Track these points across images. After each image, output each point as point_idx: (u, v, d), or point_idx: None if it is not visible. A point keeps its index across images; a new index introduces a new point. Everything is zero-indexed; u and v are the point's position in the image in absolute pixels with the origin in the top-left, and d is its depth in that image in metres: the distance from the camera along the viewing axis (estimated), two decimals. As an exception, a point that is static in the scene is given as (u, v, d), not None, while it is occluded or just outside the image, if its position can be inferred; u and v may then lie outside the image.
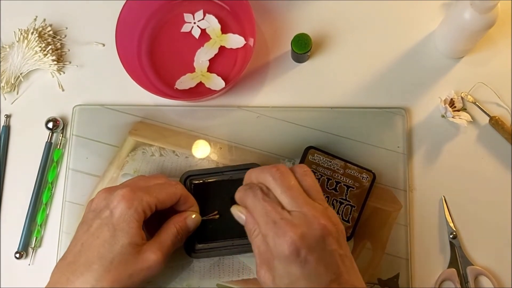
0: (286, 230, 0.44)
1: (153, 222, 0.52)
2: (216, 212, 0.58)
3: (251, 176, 0.50)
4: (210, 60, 0.64)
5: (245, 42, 0.64)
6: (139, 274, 0.48)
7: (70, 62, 0.67)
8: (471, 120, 0.62)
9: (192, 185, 0.59)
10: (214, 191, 0.59)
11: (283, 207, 0.46)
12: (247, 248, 0.57)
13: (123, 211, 0.48)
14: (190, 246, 0.57)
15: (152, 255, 0.49)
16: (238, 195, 0.50)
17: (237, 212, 0.50)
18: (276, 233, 0.44)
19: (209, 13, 0.65)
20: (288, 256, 0.44)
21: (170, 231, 0.52)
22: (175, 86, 0.64)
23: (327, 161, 0.60)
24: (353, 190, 0.59)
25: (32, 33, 0.65)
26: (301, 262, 0.44)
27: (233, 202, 0.51)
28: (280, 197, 0.47)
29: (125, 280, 0.48)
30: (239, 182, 0.58)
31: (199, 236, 0.58)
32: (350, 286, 0.44)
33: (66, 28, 0.68)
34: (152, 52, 0.66)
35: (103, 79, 0.66)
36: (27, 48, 0.65)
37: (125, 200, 0.48)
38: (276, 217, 0.45)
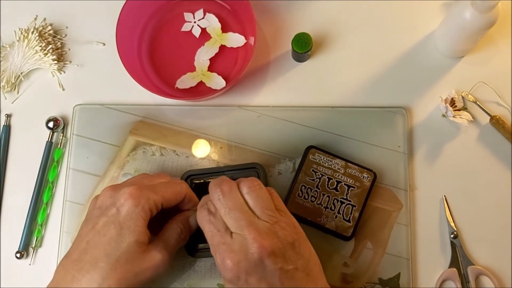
0: (225, 256, 0.45)
1: (156, 220, 0.52)
2: None
3: (209, 189, 0.51)
4: (210, 59, 0.64)
5: (245, 41, 0.64)
6: (145, 272, 0.49)
7: (70, 62, 0.66)
8: (472, 119, 0.62)
9: (193, 184, 0.59)
10: None
11: (227, 228, 0.47)
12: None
13: (130, 209, 0.48)
14: (191, 246, 0.57)
15: (158, 254, 0.50)
16: (197, 212, 0.51)
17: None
18: (219, 257, 0.46)
19: (209, 12, 0.65)
20: (231, 280, 0.46)
21: (174, 230, 0.53)
22: (175, 86, 0.64)
23: (328, 160, 0.60)
24: (354, 190, 0.59)
25: (33, 32, 0.65)
26: (243, 284, 0.46)
27: None
28: (225, 218, 0.47)
29: (132, 279, 0.48)
30: None
31: (200, 235, 0.58)
32: None
33: (67, 27, 0.68)
34: (153, 51, 0.66)
35: (104, 79, 0.66)
36: (27, 47, 0.65)
37: (132, 198, 0.48)
38: (219, 241, 0.47)
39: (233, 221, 0.47)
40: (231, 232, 0.47)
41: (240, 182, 0.50)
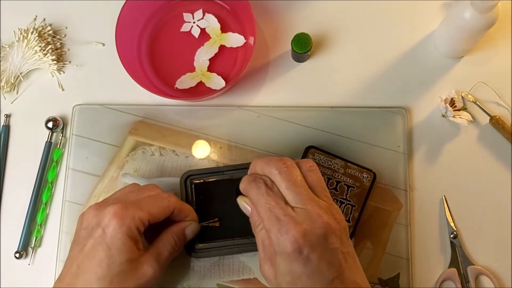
0: (289, 227, 0.44)
1: (152, 228, 0.52)
2: (216, 219, 0.57)
3: (256, 166, 0.49)
4: (210, 60, 0.64)
5: (245, 41, 0.64)
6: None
7: (70, 62, 0.66)
8: (472, 119, 0.62)
9: (193, 184, 0.59)
10: (214, 190, 0.59)
11: (286, 203, 0.46)
12: (248, 248, 0.57)
13: (116, 229, 0.47)
14: (190, 246, 0.57)
15: (149, 269, 0.49)
16: (243, 185, 0.49)
17: (243, 203, 0.50)
18: (279, 229, 0.44)
19: (209, 12, 0.65)
20: (290, 254, 0.43)
21: (167, 242, 0.52)
22: (175, 86, 0.64)
23: (328, 160, 0.60)
24: (354, 190, 0.59)
25: (32, 32, 0.65)
26: (303, 260, 0.43)
27: (238, 192, 0.51)
28: (285, 192, 0.46)
29: None
30: (239, 181, 0.58)
31: (200, 235, 0.58)
32: (352, 283, 0.44)
33: (66, 27, 0.68)
34: (152, 51, 0.66)
35: (103, 79, 0.66)
36: (27, 47, 0.65)
37: (117, 218, 0.47)
38: (280, 213, 0.45)
39: (294, 195, 0.46)
40: (292, 207, 0.45)
41: (299, 161, 0.49)
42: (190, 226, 0.54)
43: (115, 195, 0.53)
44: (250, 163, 0.58)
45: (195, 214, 0.55)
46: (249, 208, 0.49)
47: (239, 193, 0.51)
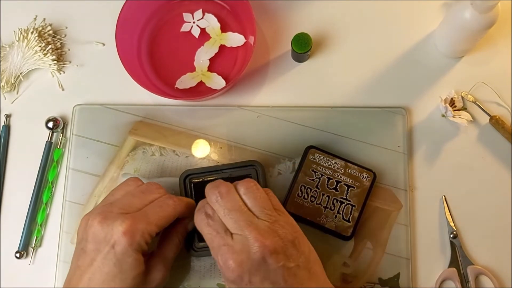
0: (227, 257, 0.46)
1: None
2: None
3: (205, 192, 0.51)
4: (210, 60, 0.64)
5: (245, 40, 0.64)
6: None
7: (70, 62, 0.66)
8: (472, 119, 0.62)
9: (192, 183, 0.59)
10: None
11: (226, 230, 0.47)
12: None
13: (126, 247, 0.47)
14: (191, 245, 0.57)
15: (159, 274, 0.51)
16: (195, 216, 0.51)
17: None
18: (221, 259, 0.46)
19: (209, 12, 0.65)
20: (234, 281, 0.46)
21: (173, 244, 0.54)
22: (175, 86, 0.64)
23: (328, 160, 0.60)
24: (354, 190, 0.59)
25: (32, 32, 0.65)
26: (246, 284, 0.46)
27: None
28: (224, 220, 0.48)
29: None
30: (238, 179, 0.58)
31: (200, 234, 0.58)
32: None
33: (66, 27, 0.68)
34: (152, 51, 0.66)
35: (103, 79, 0.66)
36: (27, 47, 0.65)
37: (127, 237, 0.47)
38: (220, 242, 0.47)
39: (232, 222, 0.47)
40: (231, 233, 0.47)
41: (237, 184, 0.50)
42: (192, 222, 0.54)
43: (118, 200, 0.52)
44: (249, 161, 0.59)
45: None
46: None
47: None
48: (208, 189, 0.50)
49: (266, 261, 0.45)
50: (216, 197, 0.48)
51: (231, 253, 0.45)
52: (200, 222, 0.49)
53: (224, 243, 0.46)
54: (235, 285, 0.46)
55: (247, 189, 0.49)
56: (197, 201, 0.58)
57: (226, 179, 0.59)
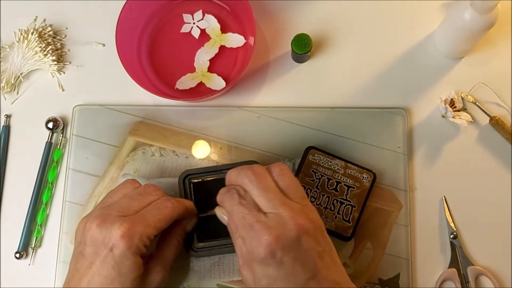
0: (261, 233, 0.45)
1: None
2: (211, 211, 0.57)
3: (230, 177, 0.51)
4: (210, 60, 0.64)
5: (245, 41, 0.64)
6: None
7: (70, 62, 0.67)
8: (472, 120, 0.62)
9: (191, 184, 0.59)
10: (213, 189, 0.59)
11: (259, 209, 0.47)
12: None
13: (125, 251, 0.47)
14: (190, 245, 0.57)
15: (157, 276, 0.51)
16: (219, 198, 0.51)
17: (220, 214, 0.51)
18: (253, 236, 0.45)
19: (209, 13, 0.65)
20: (265, 258, 0.44)
21: (172, 245, 0.54)
22: (175, 86, 0.64)
23: (328, 161, 0.60)
24: (354, 190, 0.59)
25: (32, 33, 0.65)
26: (277, 264, 0.44)
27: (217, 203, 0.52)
28: (257, 199, 0.47)
29: None
30: None
31: (200, 234, 0.58)
32: (330, 282, 0.45)
33: (66, 28, 0.68)
34: (152, 52, 0.66)
35: (103, 79, 0.66)
36: (27, 48, 0.65)
37: (125, 240, 0.47)
38: (252, 220, 0.46)
39: (266, 201, 0.47)
40: (264, 213, 0.46)
41: (270, 166, 0.50)
42: (191, 222, 0.55)
43: (116, 202, 0.52)
44: (248, 161, 0.59)
45: (195, 208, 0.56)
46: (226, 218, 0.50)
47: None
48: (239, 171, 0.49)
49: (299, 240, 0.45)
50: (250, 178, 0.48)
51: (265, 228, 0.45)
52: (231, 202, 0.48)
53: (257, 220, 0.45)
54: (263, 265, 0.45)
55: (281, 171, 0.49)
56: (196, 201, 0.58)
57: (225, 179, 0.59)
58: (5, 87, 0.65)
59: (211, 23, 0.65)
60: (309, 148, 0.60)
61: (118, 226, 0.47)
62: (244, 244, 0.46)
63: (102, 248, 0.47)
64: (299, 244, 0.45)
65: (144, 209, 0.51)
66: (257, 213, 0.46)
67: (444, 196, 0.61)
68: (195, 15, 0.66)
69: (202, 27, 0.65)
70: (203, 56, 0.64)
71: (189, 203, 0.55)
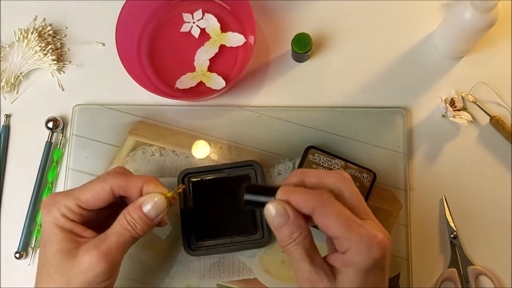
0: (376, 233, 0.41)
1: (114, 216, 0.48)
2: (181, 185, 0.54)
3: (310, 177, 0.45)
4: (210, 60, 0.64)
5: (245, 40, 0.64)
6: (77, 278, 0.45)
7: (70, 62, 0.66)
8: (472, 119, 0.62)
9: (190, 183, 0.59)
10: (212, 188, 0.59)
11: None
12: (247, 245, 0.58)
13: (44, 221, 0.47)
14: (189, 244, 0.57)
15: (86, 257, 0.45)
16: (301, 196, 0.43)
17: (282, 209, 0.43)
18: (364, 234, 0.41)
19: (209, 12, 0.65)
20: (378, 260, 0.41)
21: (117, 224, 0.47)
22: (175, 86, 0.64)
23: (328, 160, 0.60)
24: (354, 190, 0.59)
25: (32, 32, 0.65)
26: (383, 269, 0.42)
27: (245, 191, 0.45)
28: (355, 204, 0.44)
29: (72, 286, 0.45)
30: (237, 179, 0.59)
31: (198, 233, 0.58)
32: None
33: (66, 27, 0.68)
34: (152, 51, 0.66)
35: (103, 79, 0.66)
36: (27, 47, 0.65)
37: (44, 209, 0.47)
38: (358, 221, 0.41)
39: (364, 207, 0.44)
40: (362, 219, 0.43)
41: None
42: (147, 202, 0.47)
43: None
44: (248, 160, 0.59)
45: (162, 187, 0.49)
46: (291, 216, 0.42)
47: (245, 194, 0.45)
48: (328, 172, 0.46)
49: (387, 252, 0.42)
50: (345, 181, 0.45)
51: (377, 229, 0.42)
52: (328, 199, 0.42)
53: (362, 223, 0.42)
54: (369, 270, 0.41)
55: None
56: (196, 201, 0.58)
57: (224, 179, 0.59)
58: (5, 87, 0.65)
59: (211, 22, 0.65)
60: (309, 148, 0.60)
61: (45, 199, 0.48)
62: (313, 251, 0.43)
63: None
64: (387, 255, 0.42)
65: (80, 186, 0.49)
66: (356, 216, 0.42)
67: (444, 196, 0.61)
68: (194, 14, 0.66)
69: (202, 27, 0.65)
70: (203, 56, 0.64)
71: (139, 178, 0.49)
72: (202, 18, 0.66)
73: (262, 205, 0.44)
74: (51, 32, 0.67)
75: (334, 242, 0.43)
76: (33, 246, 0.61)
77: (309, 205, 0.42)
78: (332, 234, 0.42)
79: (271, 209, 0.43)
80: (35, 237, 0.61)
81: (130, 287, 0.59)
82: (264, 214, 0.44)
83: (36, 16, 0.67)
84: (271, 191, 0.44)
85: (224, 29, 0.65)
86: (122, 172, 0.50)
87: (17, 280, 0.61)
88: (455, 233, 0.59)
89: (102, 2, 0.67)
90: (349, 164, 0.60)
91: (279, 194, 0.44)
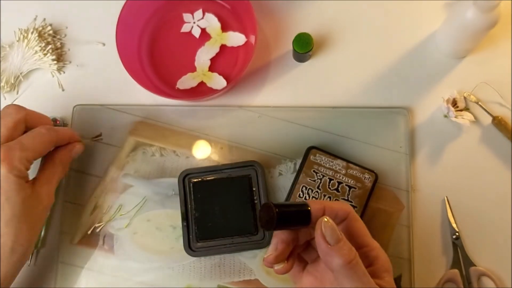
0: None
1: None
2: (99, 134, 0.62)
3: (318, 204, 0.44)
4: (211, 60, 0.64)
5: (246, 39, 0.64)
6: (41, 215, 0.53)
7: (70, 62, 0.66)
8: (474, 120, 0.61)
9: (191, 183, 0.59)
10: (212, 189, 0.59)
11: None
12: (247, 246, 0.58)
13: (6, 174, 0.49)
14: (189, 245, 0.57)
15: (45, 197, 0.53)
16: (333, 203, 0.44)
17: (333, 224, 0.42)
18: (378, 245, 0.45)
19: (210, 12, 0.65)
20: None
21: (56, 167, 0.55)
22: (176, 86, 0.63)
23: (329, 161, 0.59)
24: (355, 191, 0.59)
25: (32, 32, 0.65)
26: None
27: (278, 221, 0.41)
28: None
29: (36, 229, 0.52)
30: (237, 179, 0.59)
31: (199, 234, 0.58)
32: None
33: (66, 27, 0.67)
34: (153, 51, 0.65)
35: (104, 79, 0.65)
36: (27, 47, 0.65)
37: (6, 163, 0.49)
38: None
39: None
40: None
41: None
42: (76, 148, 0.58)
43: None
44: (249, 161, 0.59)
45: (76, 135, 0.58)
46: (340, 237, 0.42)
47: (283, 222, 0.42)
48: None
49: None
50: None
51: None
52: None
53: None
54: None
55: None
56: (196, 202, 0.58)
57: (225, 179, 0.59)
58: (5, 87, 0.65)
59: (211, 22, 0.65)
60: (310, 148, 0.60)
61: None
62: (368, 253, 0.44)
63: None
64: None
65: (20, 137, 0.52)
66: None
67: (446, 197, 0.60)
68: (195, 14, 0.66)
69: (203, 26, 0.65)
70: (203, 56, 0.64)
71: (66, 130, 0.57)
72: (202, 18, 0.65)
73: (295, 220, 0.42)
74: (51, 32, 0.66)
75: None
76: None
77: (346, 209, 0.44)
78: (360, 241, 0.44)
79: (327, 224, 0.42)
80: (35, 238, 0.61)
81: (130, 287, 0.59)
82: (317, 233, 0.42)
83: (36, 16, 0.67)
84: (297, 206, 0.43)
85: (224, 28, 0.65)
86: (53, 129, 0.55)
87: (17, 280, 0.60)
88: (457, 234, 0.59)
89: (103, 2, 0.67)
90: (350, 164, 0.59)
91: (313, 204, 0.43)
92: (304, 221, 0.42)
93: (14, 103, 0.65)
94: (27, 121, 0.54)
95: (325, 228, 0.41)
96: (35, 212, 0.52)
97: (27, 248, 0.51)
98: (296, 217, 0.42)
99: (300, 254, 0.48)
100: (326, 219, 0.42)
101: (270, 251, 0.44)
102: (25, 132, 0.53)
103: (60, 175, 0.56)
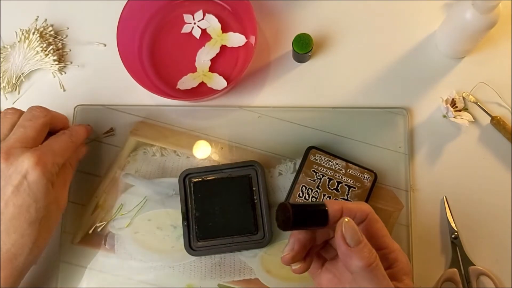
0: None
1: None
2: (110, 128, 0.62)
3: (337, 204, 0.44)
4: (211, 60, 0.64)
5: (246, 40, 0.64)
6: (58, 218, 0.54)
7: (71, 62, 0.67)
8: (473, 120, 0.62)
9: (191, 183, 0.59)
10: (213, 188, 0.59)
11: None
12: (248, 246, 0.58)
13: (40, 176, 0.49)
14: (190, 244, 0.58)
15: (64, 200, 0.54)
16: (352, 203, 0.44)
17: (354, 225, 0.41)
18: (397, 246, 0.46)
19: (210, 13, 0.65)
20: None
21: (69, 170, 0.56)
22: (176, 86, 0.64)
23: (329, 161, 0.60)
24: (355, 190, 0.59)
25: (33, 33, 0.65)
26: None
27: (294, 221, 0.41)
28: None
29: (51, 232, 0.53)
30: (238, 179, 0.59)
31: (199, 233, 0.58)
32: None
33: (68, 28, 0.68)
34: (154, 52, 0.66)
35: (105, 79, 0.66)
36: (28, 48, 0.65)
37: (40, 167, 0.49)
38: None
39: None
40: None
41: None
42: (81, 150, 0.60)
43: (10, 136, 0.51)
44: (249, 161, 0.59)
45: (84, 136, 0.59)
46: (361, 238, 0.41)
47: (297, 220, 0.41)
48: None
49: None
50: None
51: None
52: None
53: None
54: None
55: None
56: (197, 202, 0.58)
57: (225, 179, 0.59)
58: (6, 87, 0.65)
59: (211, 23, 0.65)
60: (310, 148, 0.60)
61: (28, 156, 0.49)
62: (388, 256, 0.44)
63: (13, 179, 0.49)
64: None
65: (47, 141, 0.53)
66: None
67: (445, 196, 0.61)
68: (195, 15, 0.66)
69: (203, 27, 0.65)
70: (204, 56, 0.64)
71: (83, 133, 0.58)
72: (203, 19, 0.66)
73: (312, 221, 0.42)
74: (52, 32, 0.67)
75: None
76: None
77: (365, 210, 0.43)
78: (380, 242, 0.43)
79: (348, 225, 0.41)
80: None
81: (131, 286, 0.59)
82: (337, 234, 0.41)
83: (38, 16, 0.67)
84: (314, 206, 0.42)
85: (225, 29, 0.65)
86: (73, 129, 0.57)
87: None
88: (456, 233, 0.59)
89: (103, 3, 0.68)
90: (350, 164, 0.60)
91: (330, 205, 0.42)
92: (321, 221, 0.42)
93: (15, 104, 0.65)
94: (51, 123, 0.55)
95: (345, 229, 0.41)
96: (54, 216, 0.52)
97: (41, 250, 0.52)
98: (313, 218, 0.42)
99: (319, 252, 0.47)
100: (346, 220, 0.41)
101: (287, 251, 0.44)
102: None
103: (71, 178, 0.56)
